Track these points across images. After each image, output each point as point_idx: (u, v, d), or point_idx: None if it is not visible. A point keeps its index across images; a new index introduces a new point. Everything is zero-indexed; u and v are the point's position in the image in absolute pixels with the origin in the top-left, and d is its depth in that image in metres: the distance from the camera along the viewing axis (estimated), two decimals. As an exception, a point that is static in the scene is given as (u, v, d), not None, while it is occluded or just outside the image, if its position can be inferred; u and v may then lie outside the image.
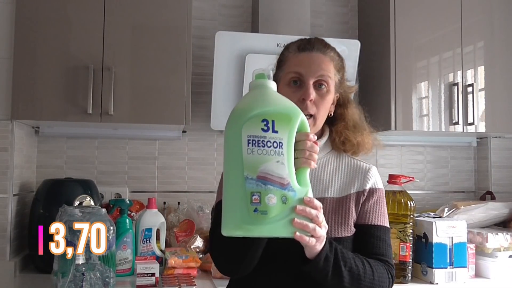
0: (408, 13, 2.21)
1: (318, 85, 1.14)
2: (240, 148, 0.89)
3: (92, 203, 1.92)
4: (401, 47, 2.18)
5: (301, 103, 1.11)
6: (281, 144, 0.90)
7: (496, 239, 1.92)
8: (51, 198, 1.89)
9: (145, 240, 1.95)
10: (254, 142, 0.89)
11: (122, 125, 2.08)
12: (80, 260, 1.56)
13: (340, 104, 1.23)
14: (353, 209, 1.15)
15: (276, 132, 0.90)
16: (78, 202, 1.89)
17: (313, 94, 1.12)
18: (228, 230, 0.88)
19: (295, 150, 0.93)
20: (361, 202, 1.16)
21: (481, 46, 2.29)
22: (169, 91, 1.96)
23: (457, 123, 2.22)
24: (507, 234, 1.95)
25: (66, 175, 2.21)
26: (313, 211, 0.91)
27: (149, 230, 1.96)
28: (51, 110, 1.89)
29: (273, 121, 0.90)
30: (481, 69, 2.28)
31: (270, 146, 0.89)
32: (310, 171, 0.96)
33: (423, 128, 2.21)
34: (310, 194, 0.93)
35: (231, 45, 2.05)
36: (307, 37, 1.26)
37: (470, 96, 2.23)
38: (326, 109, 1.16)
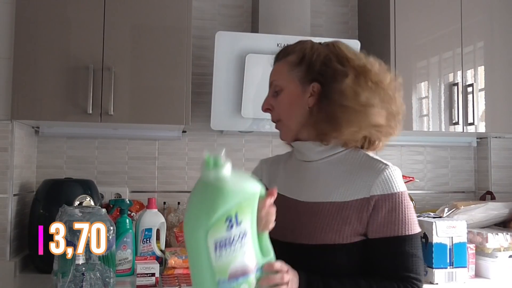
0: (408, 13, 2.21)
1: (274, 92, 1.17)
2: (208, 256, 0.87)
3: (92, 203, 1.92)
4: (401, 47, 2.19)
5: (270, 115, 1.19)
6: (245, 234, 0.89)
7: (496, 239, 1.92)
8: (51, 198, 1.89)
9: (145, 240, 1.95)
10: (221, 245, 0.86)
11: (122, 125, 2.08)
12: (80, 260, 1.56)
13: (326, 90, 1.12)
14: (353, 217, 1.06)
15: (240, 223, 0.88)
16: (78, 202, 1.89)
17: (267, 103, 1.17)
18: None
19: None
20: (365, 210, 1.06)
21: (481, 46, 2.29)
22: (169, 91, 1.96)
23: (457, 123, 2.22)
24: (507, 234, 1.95)
25: (66, 175, 2.21)
26: (276, 276, 0.94)
27: (149, 230, 1.96)
28: (51, 110, 1.89)
29: (236, 214, 0.87)
30: (481, 69, 2.28)
31: (236, 242, 0.87)
32: (316, 173, 1.07)
33: (423, 128, 2.21)
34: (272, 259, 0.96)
35: (231, 45, 2.05)
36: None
37: (470, 96, 2.23)
38: (286, 109, 1.14)
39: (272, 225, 0.97)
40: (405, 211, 1.07)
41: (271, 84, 1.18)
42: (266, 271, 0.93)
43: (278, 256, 0.99)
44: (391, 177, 1.07)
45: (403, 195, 1.08)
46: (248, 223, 0.89)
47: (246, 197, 0.90)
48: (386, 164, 1.09)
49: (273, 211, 0.97)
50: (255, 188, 0.93)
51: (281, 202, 1.06)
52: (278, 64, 1.18)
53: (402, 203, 1.07)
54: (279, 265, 0.95)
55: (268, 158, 1.33)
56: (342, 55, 1.12)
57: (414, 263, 1.06)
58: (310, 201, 1.12)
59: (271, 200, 0.96)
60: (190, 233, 0.88)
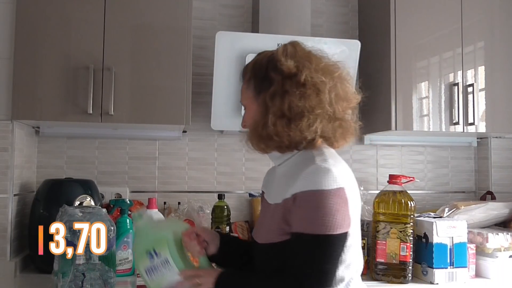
0: (408, 13, 2.20)
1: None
2: (147, 281, 1.22)
3: (92, 203, 1.92)
4: (401, 47, 2.18)
5: None
6: (167, 260, 1.18)
7: (496, 239, 1.92)
8: (51, 198, 1.89)
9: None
10: (150, 271, 1.21)
11: (122, 125, 2.08)
12: (81, 260, 1.56)
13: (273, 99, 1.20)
14: (281, 216, 1.12)
15: (159, 254, 1.20)
16: (78, 202, 1.89)
17: (242, 121, 1.28)
18: None
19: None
20: (289, 209, 1.10)
21: (481, 46, 2.29)
22: (169, 91, 1.96)
23: (457, 123, 2.22)
24: (508, 234, 1.95)
25: (66, 175, 2.21)
26: (187, 281, 1.15)
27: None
28: (51, 110, 1.89)
29: (154, 249, 1.20)
30: (481, 69, 2.28)
31: (161, 267, 1.19)
32: (276, 178, 1.24)
33: (423, 128, 2.21)
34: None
35: (231, 45, 2.05)
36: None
37: (470, 96, 2.23)
38: (249, 122, 1.23)
39: (202, 252, 1.23)
40: (317, 210, 1.04)
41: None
42: (182, 276, 1.15)
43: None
44: (310, 175, 1.07)
45: (321, 194, 1.05)
46: (166, 252, 1.19)
47: (157, 236, 1.24)
48: (314, 163, 1.09)
49: (194, 243, 1.22)
50: (165, 231, 1.25)
51: (263, 203, 1.29)
52: (242, 87, 1.28)
53: (310, 201, 1.06)
54: (191, 272, 1.17)
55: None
56: (275, 60, 1.16)
57: (306, 266, 1.05)
58: (271, 202, 1.22)
59: (186, 238, 1.22)
60: (136, 266, 1.32)
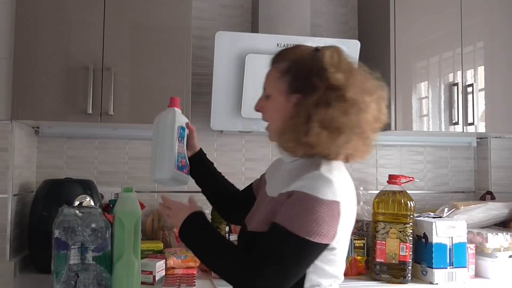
0: (408, 13, 2.20)
1: (265, 96, 1.25)
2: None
3: (92, 203, 1.92)
4: (401, 47, 2.18)
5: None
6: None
7: (496, 239, 1.92)
8: (51, 198, 1.89)
9: (180, 139, 1.56)
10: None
11: (122, 125, 2.08)
12: (75, 260, 1.56)
13: (307, 103, 1.15)
14: (270, 209, 1.14)
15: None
16: (78, 202, 1.89)
17: (259, 105, 1.26)
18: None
19: None
20: (281, 203, 1.11)
21: (481, 46, 2.29)
22: (169, 91, 1.96)
23: (457, 123, 2.22)
24: (507, 234, 1.95)
25: (66, 175, 2.21)
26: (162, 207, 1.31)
27: (183, 129, 1.57)
28: (51, 110, 1.89)
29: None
30: (481, 69, 2.28)
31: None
32: (282, 173, 1.25)
33: (423, 128, 2.21)
34: None
35: (231, 45, 2.05)
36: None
37: (470, 96, 2.23)
38: (272, 115, 1.21)
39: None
40: (307, 213, 1.04)
41: (263, 88, 1.26)
42: (162, 200, 1.31)
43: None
44: (311, 179, 1.08)
45: (316, 201, 1.05)
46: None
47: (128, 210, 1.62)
48: (319, 170, 1.09)
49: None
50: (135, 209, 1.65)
51: (261, 195, 1.30)
52: (271, 69, 1.25)
53: (308, 206, 1.05)
54: (171, 202, 1.28)
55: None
56: (321, 67, 1.13)
57: (271, 257, 1.04)
58: (268, 195, 1.24)
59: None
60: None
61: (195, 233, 1.18)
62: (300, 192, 1.07)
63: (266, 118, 1.25)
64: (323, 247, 1.07)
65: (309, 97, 1.12)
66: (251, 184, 1.47)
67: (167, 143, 1.39)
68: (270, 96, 1.22)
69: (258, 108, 1.26)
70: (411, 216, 1.84)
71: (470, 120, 2.22)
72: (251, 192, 1.42)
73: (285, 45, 2.06)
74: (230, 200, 1.50)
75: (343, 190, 1.09)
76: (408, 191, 1.89)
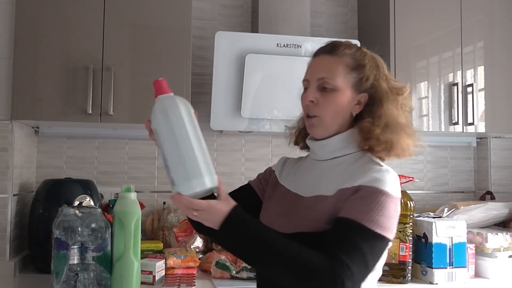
0: (408, 13, 2.20)
1: (323, 87, 1.15)
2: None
3: (92, 203, 1.92)
4: (401, 47, 2.18)
5: (306, 107, 1.16)
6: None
7: (495, 239, 1.92)
8: (51, 198, 1.89)
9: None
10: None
11: (122, 125, 2.08)
12: (74, 260, 1.56)
13: (371, 103, 1.16)
14: (332, 206, 1.07)
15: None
16: (78, 202, 1.89)
17: (313, 95, 1.14)
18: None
19: None
20: (345, 199, 1.06)
21: (481, 46, 2.29)
22: (169, 91, 1.96)
23: (457, 123, 2.22)
24: (507, 234, 1.95)
25: (66, 175, 2.21)
26: (184, 209, 1.03)
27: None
28: (51, 110, 1.89)
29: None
30: (481, 69, 2.28)
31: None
32: (322, 172, 1.17)
33: (423, 128, 2.21)
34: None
35: (231, 45, 2.05)
36: (333, 40, 1.24)
37: (470, 96, 2.23)
38: (334, 109, 1.14)
39: None
40: (379, 208, 1.03)
41: (319, 78, 1.15)
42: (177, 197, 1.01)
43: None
44: (382, 175, 1.07)
45: (387, 196, 1.04)
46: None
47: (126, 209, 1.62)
48: (383, 166, 1.10)
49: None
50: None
51: (284, 195, 1.19)
52: (330, 61, 1.16)
53: (378, 200, 1.03)
54: (189, 202, 0.99)
55: (292, 158, 1.34)
56: (385, 74, 1.18)
57: (353, 252, 0.98)
58: (309, 195, 1.14)
59: None
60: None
61: (245, 236, 0.99)
62: (370, 187, 1.05)
63: (319, 112, 1.15)
64: (388, 242, 1.05)
65: (380, 102, 1.15)
66: (244, 188, 1.32)
67: (194, 140, 1.00)
68: (335, 91, 1.13)
69: (311, 99, 1.15)
70: (411, 216, 1.84)
71: (470, 120, 2.22)
72: (253, 197, 1.30)
73: (285, 45, 2.06)
74: None
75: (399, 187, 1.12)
76: (408, 191, 1.89)
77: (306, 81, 1.19)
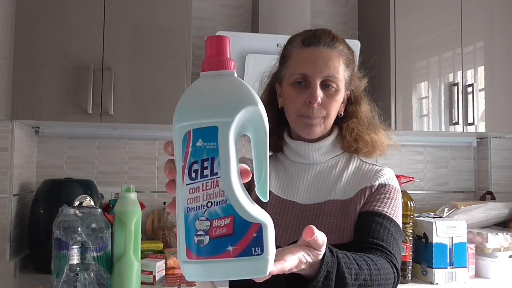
0: (408, 13, 2.21)
1: (325, 85, 1.04)
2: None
3: (92, 203, 1.92)
4: (401, 47, 2.18)
5: (308, 106, 1.03)
6: None
7: (496, 239, 1.92)
8: (51, 198, 1.89)
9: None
10: None
11: (122, 125, 2.08)
12: (74, 260, 1.56)
13: (352, 101, 1.13)
14: (355, 208, 1.02)
15: None
16: (78, 202, 1.89)
17: (320, 96, 1.03)
18: None
19: None
20: (363, 197, 1.04)
21: (481, 46, 2.29)
22: (169, 91, 1.96)
23: (457, 123, 2.22)
24: (507, 234, 1.95)
25: (66, 175, 2.21)
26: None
27: None
28: (51, 110, 1.89)
29: None
30: (481, 69, 2.28)
31: None
32: (317, 175, 1.10)
33: (423, 128, 2.21)
34: None
35: (231, 45, 2.05)
36: (313, 28, 1.12)
37: (470, 96, 2.23)
38: (335, 109, 1.07)
39: None
40: (398, 206, 1.07)
41: (325, 76, 1.04)
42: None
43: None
44: (391, 174, 1.10)
45: (399, 193, 1.09)
46: None
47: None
48: (385, 167, 1.12)
49: None
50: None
51: (278, 203, 1.07)
52: (332, 56, 1.06)
53: (398, 198, 1.07)
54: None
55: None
56: (357, 71, 1.16)
57: (393, 243, 0.98)
58: (311, 203, 1.06)
59: None
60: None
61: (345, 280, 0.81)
62: (389, 185, 1.07)
63: (326, 114, 1.05)
64: None
65: (355, 96, 1.14)
66: None
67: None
68: (338, 92, 1.06)
69: (318, 102, 1.03)
70: (411, 216, 1.84)
71: (470, 120, 2.22)
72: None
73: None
74: None
75: None
76: (408, 191, 1.89)
77: (302, 75, 1.04)
